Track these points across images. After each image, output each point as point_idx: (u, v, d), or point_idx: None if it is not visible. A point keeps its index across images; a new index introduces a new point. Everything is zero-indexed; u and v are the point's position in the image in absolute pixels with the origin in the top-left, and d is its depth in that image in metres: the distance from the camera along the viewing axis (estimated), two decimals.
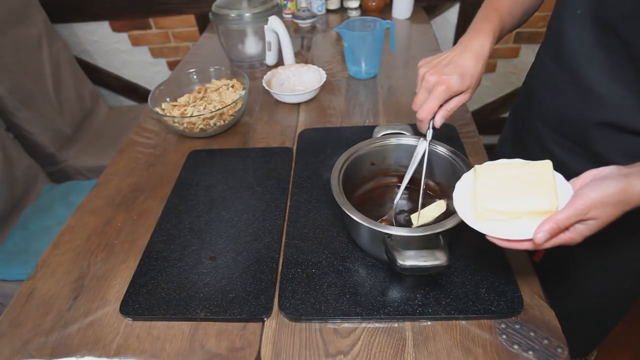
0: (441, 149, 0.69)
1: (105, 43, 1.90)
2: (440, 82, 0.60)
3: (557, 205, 0.48)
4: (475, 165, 0.57)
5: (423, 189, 0.65)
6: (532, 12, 0.73)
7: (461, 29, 1.79)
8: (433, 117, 0.63)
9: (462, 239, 0.67)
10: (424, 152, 0.67)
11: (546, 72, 0.69)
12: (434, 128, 0.65)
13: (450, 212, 0.67)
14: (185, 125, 0.93)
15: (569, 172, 0.51)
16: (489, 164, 0.56)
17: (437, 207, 0.69)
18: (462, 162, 0.66)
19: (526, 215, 0.49)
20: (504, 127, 0.92)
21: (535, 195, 0.49)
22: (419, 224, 0.67)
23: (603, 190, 0.44)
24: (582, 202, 0.45)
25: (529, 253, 0.66)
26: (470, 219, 0.52)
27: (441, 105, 0.62)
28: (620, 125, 0.58)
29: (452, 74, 0.60)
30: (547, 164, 0.52)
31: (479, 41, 0.63)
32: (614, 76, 0.57)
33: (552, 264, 0.80)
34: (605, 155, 0.62)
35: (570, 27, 0.61)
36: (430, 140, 0.68)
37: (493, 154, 0.92)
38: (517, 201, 0.50)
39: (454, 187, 0.57)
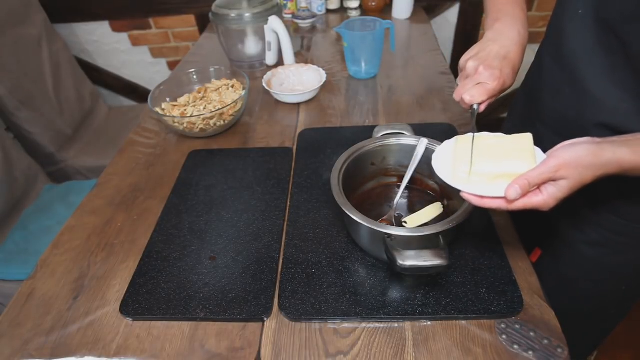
0: None
1: (105, 43, 1.90)
2: (496, 78, 0.58)
3: None
4: (457, 136, 0.58)
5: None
6: None
7: (461, 29, 1.78)
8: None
9: (462, 239, 0.67)
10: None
11: (546, 72, 0.69)
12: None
13: (447, 214, 0.67)
14: (185, 125, 0.93)
15: None
16: (470, 134, 0.57)
17: (434, 209, 0.69)
18: None
19: (503, 179, 0.50)
20: (502, 127, 0.92)
21: (514, 159, 0.50)
22: (414, 225, 0.67)
23: (574, 152, 0.46)
24: (554, 160, 0.46)
25: (527, 253, 0.67)
26: (448, 177, 0.53)
27: None
28: (616, 127, 0.58)
29: (506, 68, 0.59)
30: (528, 136, 0.54)
31: (519, 31, 0.62)
32: (612, 78, 0.57)
33: (551, 265, 0.80)
34: None
35: (571, 27, 0.61)
36: (430, 141, 0.68)
37: None
38: (496, 164, 0.51)
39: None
